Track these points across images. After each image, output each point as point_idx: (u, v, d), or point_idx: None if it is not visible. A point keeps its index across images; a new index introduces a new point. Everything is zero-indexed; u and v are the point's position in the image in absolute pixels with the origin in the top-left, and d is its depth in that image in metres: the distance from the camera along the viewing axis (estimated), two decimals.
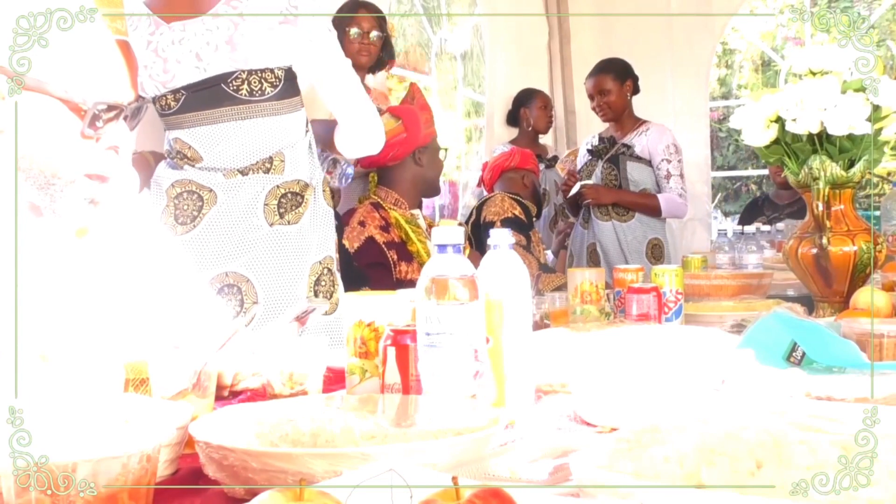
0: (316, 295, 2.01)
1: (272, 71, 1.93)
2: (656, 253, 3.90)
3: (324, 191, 2.11)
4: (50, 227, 1.17)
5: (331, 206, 2.15)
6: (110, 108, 1.12)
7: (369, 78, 3.28)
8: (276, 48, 1.92)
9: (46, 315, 1.15)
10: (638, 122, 3.95)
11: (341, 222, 2.84)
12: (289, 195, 1.98)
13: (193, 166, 1.98)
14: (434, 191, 3.11)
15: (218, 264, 1.92)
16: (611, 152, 3.93)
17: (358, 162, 2.99)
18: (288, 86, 1.97)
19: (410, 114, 2.91)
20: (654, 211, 3.86)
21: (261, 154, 1.97)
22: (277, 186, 1.97)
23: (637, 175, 3.88)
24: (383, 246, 2.81)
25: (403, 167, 2.92)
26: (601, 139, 4.02)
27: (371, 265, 2.78)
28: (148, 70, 1.94)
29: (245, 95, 1.93)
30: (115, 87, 1.13)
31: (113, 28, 1.13)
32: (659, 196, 3.87)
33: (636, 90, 3.96)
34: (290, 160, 1.99)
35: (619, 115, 3.92)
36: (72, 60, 1.10)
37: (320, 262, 2.04)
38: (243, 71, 1.91)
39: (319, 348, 1.25)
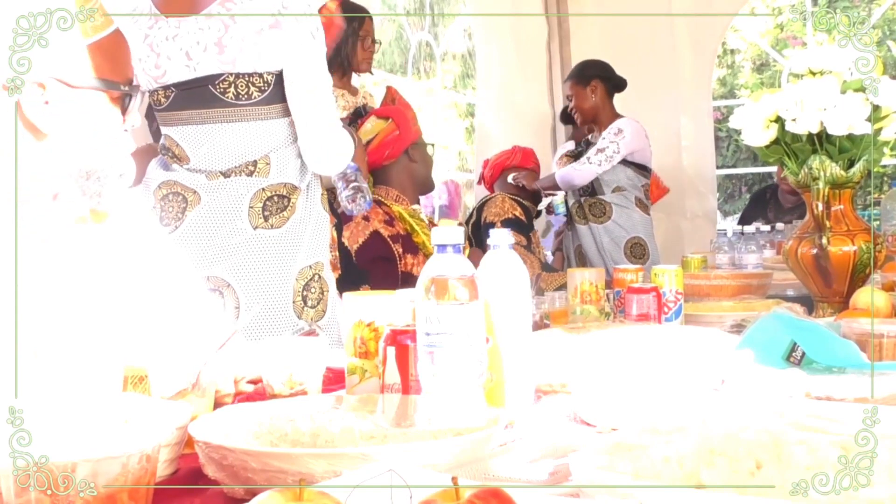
0: (304, 301, 1.98)
1: (261, 75, 1.91)
2: (637, 252, 3.89)
3: (322, 194, 2.08)
4: (49, 222, 1.17)
5: (327, 210, 2.11)
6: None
7: (355, 78, 3.30)
8: (263, 52, 1.89)
9: (46, 313, 1.15)
10: (614, 120, 3.94)
11: (341, 221, 2.84)
12: (275, 198, 1.94)
13: (182, 166, 1.97)
14: (428, 187, 3.13)
15: (200, 267, 1.88)
16: (586, 153, 3.96)
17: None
18: (277, 91, 1.94)
19: (399, 112, 2.94)
20: (556, 186, 3.91)
21: (245, 157, 1.94)
22: (263, 189, 1.94)
23: (609, 175, 3.89)
24: (388, 239, 2.81)
25: (399, 164, 2.95)
26: (577, 143, 4.08)
27: (376, 259, 2.79)
28: (142, 64, 1.93)
29: (231, 98, 1.91)
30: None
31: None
32: (556, 172, 3.90)
33: (616, 89, 3.95)
34: (276, 163, 1.96)
35: (592, 118, 3.93)
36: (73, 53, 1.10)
37: (311, 267, 2.00)
38: (231, 74, 1.89)
39: (319, 348, 1.25)
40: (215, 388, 1.15)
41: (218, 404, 1.14)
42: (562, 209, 4.05)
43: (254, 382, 1.31)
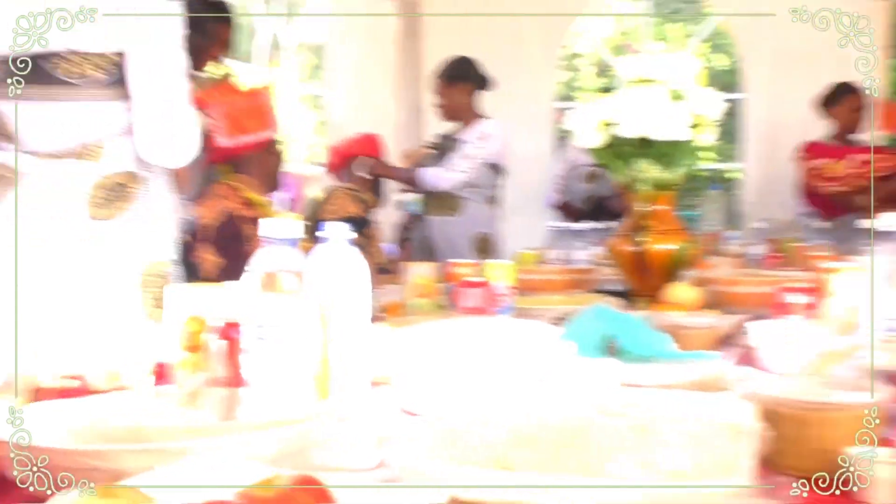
0: (155, 301, 1.89)
1: (102, 55, 1.80)
2: (484, 247, 3.97)
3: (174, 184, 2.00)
4: None
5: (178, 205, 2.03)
6: None
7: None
8: (106, 31, 1.80)
9: None
10: (478, 120, 4.00)
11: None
12: (111, 186, 1.87)
13: (10, 144, 1.84)
14: (278, 184, 3.10)
15: (29, 258, 1.77)
16: (445, 149, 4.01)
17: (214, 155, 2.84)
18: (122, 73, 1.83)
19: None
20: (416, 185, 3.91)
21: (78, 140, 1.85)
22: (98, 176, 1.82)
23: None
24: (248, 220, 2.77)
25: (259, 157, 2.91)
26: (438, 136, 4.11)
27: (230, 238, 2.74)
28: None
29: (66, 76, 1.80)
30: None
31: None
32: (420, 170, 3.90)
33: (480, 87, 4.01)
34: (112, 149, 1.88)
35: (454, 116, 3.98)
36: None
37: (159, 264, 1.90)
38: (68, 51, 1.79)
39: (144, 341, 1.21)
40: (34, 385, 1.10)
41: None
42: (414, 206, 4.04)
43: (76, 378, 1.26)
